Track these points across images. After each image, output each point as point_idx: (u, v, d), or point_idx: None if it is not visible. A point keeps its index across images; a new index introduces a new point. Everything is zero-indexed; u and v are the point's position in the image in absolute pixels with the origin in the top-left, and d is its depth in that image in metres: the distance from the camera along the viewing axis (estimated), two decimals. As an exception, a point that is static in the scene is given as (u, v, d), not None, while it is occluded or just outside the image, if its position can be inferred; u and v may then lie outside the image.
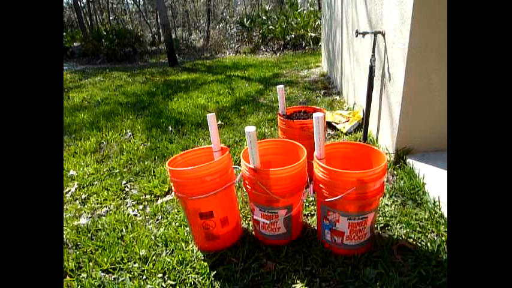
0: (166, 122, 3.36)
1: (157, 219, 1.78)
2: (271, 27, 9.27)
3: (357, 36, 2.33)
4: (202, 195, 1.31)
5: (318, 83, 4.65)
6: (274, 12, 10.32)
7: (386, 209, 1.65)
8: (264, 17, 9.86)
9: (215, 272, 1.35)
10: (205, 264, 1.40)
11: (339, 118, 2.89)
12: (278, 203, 1.35)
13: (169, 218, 1.75)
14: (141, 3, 17.04)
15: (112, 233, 1.66)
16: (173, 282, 1.32)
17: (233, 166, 1.46)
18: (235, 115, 3.44)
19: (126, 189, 2.13)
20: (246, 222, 1.69)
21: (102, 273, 1.42)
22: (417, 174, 1.85)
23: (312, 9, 9.43)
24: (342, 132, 2.73)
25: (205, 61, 8.26)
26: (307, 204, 1.78)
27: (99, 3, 16.23)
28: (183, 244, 1.53)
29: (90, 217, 1.85)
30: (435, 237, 1.42)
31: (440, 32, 1.71)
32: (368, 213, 1.28)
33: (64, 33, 12.11)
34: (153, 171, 2.30)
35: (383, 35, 2.11)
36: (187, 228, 1.64)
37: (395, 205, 1.68)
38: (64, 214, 1.89)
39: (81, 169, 2.43)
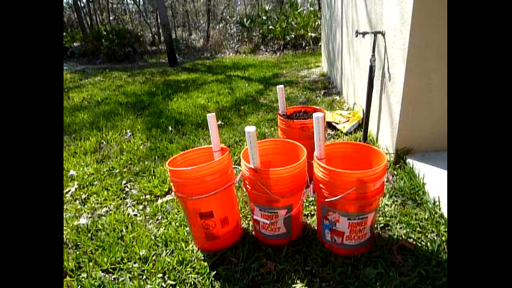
0: (166, 122, 3.36)
1: (157, 219, 1.78)
2: (271, 27, 9.27)
3: (357, 36, 2.33)
4: (202, 195, 1.32)
5: (318, 83, 4.65)
6: (274, 12, 10.33)
7: (386, 209, 1.65)
8: (264, 17, 9.86)
9: (215, 272, 1.35)
10: (205, 264, 1.40)
11: (339, 118, 2.89)
12: (278, 203, 1.35)
13: (169, 218, 1.75)
14: (141, 3, 17.04)
15: (112, 233, 1.66)
16: (173, 282, 1.32)
17: (233, 166, 1.46)
18: (235, 115, 3.44)
19: (126, 189, 2.13)
20: (246, 222, 1.69)
21: (102, 273, 1.42)
22: (417, 174, 1.85)
23: (312, 9, 9.43)
24: (342, 132, 2.73)
25: (205, 61, 8.26)
26: (307, 204, 1.78)
27: (99, 3, 16.23)
28: (183, 244, 1.53)
29: (90, 217, 1.85)
30: (435, 237, 1.42)
31: (440, 32, 1.71)
32: (368, 213, 1.28)
33: (64, 33, 12.10)
34: (153, 171, 2.30)
35: (383, 35, 2.11)
36: (187, 228, 1.64)
37: (395, 205, 1.68)
38: (64, 214, 1.89)
39: (81, 169, 2.43)
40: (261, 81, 5.05)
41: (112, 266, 1.45)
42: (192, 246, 1.52)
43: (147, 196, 2.01)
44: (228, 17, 14.57)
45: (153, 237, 1.60)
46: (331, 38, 4.65)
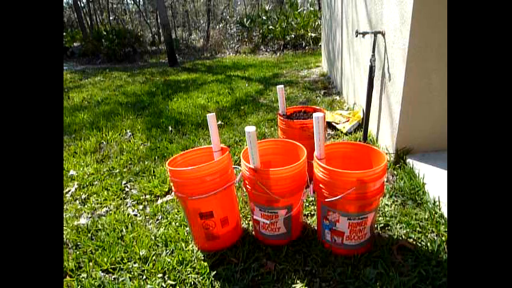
0: (166, 122, 3.36)
1: (157, 219, 1.78)
2: (271, 27, 9.27)
3: (357, 36, 2.33)
4: (202, 195, 1.31)
5: (318, 83, 4.65)
6: (274, 12, 10.33)
7: (386, 209, 1.65)
8: (264, 17, 9.86)
9: (215, 272, 1.35)
10: (205, 264, 1.40)
11: (339, 118, 2.89)
12: (278, 203, 1.35)
13: (169, 218, 1.75)
14: (141, 3, 17.04)
15: (112, 233, 1.66)
16: (173, 282, 1.32)
17: (233, 166, 1.46)
18: (235, 115, 3.44)
19: (126, 189, 2.13)
20: (246, 222, 1.69)
21: (102, 273, 1.42)
22: (417, 174, 1.85)
23: (312, 9, 9.43)
24: (342, 132, 2.73)
25: (205, 61, 8.26)
26: (307, 204, 1.78)
27: (99, 3, 16.23)
28: (183, 244, 1.53)
29: (90, 217, 1.85)
30: (435, 237, 1.42)
31: (440, 32, 1.71)
32: (368, 213, 1.28)
33: (64, 33, 12.10)
34: (153, 171, 2.30)
35: (383, 35, 2.11)
36: (187, 228, 1.64)
37: (395, 205, 1.68)
38: (64, 214, 1.89)
39: (81, 169, 2.43)
40: (261, 81, 5.05)
41: (112, 266, 1.45)
42: (192, 246, 1.52)
43: (147, 196, 2.01)
44: (228, 17, 14.57)
45: (153, 237, 1.60)
46: (331, 38, 4.65)
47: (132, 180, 2.22)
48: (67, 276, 1.42)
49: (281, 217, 1.39)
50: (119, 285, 1.34)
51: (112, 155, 2.67)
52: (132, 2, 17.44)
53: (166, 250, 1.51)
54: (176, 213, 1.79)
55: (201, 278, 1.33)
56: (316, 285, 1.26)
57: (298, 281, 1.28)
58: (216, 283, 1.31)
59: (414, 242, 1.41)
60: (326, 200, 1.27)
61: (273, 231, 1.43)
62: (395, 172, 1.97)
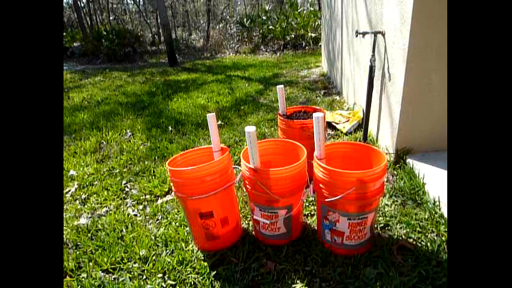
0: (166, 122, 3.36)
1: (157, 219, 1.78)
2: (271, 27, 9.27)
3: (357, 36, 2.33)
4: (202, 195, 1.31)
5: (318, 83, 4.65)
6: (274, 12, 10.33)
7: (386, 209, 1.65)
8: (264, 17, 9.86)
9: (215, 272, 1.35)
10: (205, 264, 1.40)
11: (339, 118, 2.89)
12: (278, 203, 1.35)
13: (169, 218, 1.75)
14: (141, 3, 17.04)
15: (112, 233, 1.66)
16: (173, 282, 1.32)
17: (233, 166, 1.46)
18: (235, 115, 3.44)
19: (126, 189, 2.13)
20: (246, 222, 1.69)
21: (102, 273, 1.42)
22: (417, 174, 1.85)
23: (312, 9, 9.43)
24: (342, 132, 2.73)
25: (205, 61, 8.26)
26: (307, 204, 1.78)
27: (99, 3, 16.23)
28: (183, 244, 1.53)
29: (90, 217, 1.85)
30: (435, 237, 1.42)
31: (440, 32, 1.71)
32: (368, 213, 1.28)
33: (64, 33, 12.10)
34: (153, 171, 2.30)
35: (383, 35, 2.11)
36: (187, 228, 1.64)
37: (395, 205, 1.68)
38: (64, 214, 1.89)
39: (81, 169, 2.43)
40: (261, 81, 5.05)
41: (112, 266, 1.45)
42: (192, 246, 1.52)
43: (147, 196, 2.01)
44: (228, 17, 14.57)
45: (153, 237, 1.60)
46: (331, 38, 4.65)
47: (132, 180, 2.22)
48: (67, 276, 1.42)
49: (281, 217, 1.39)
50: (119, 285, 1.34)
51: (112, 155, 2.67)
52: (132, 2, 17.45)
53: (166, 250, 1.51)
54: (176, 213, 1.79)
55: (201, 278, 1.33)
56: (316, 285, 1.26)
57: (298, 281, 1.28)
58: (216, 283, 1.31)
59: (414, 242, 1.41)
60: (326, 200, 1.27)
61: (273, 231, 1.43)
62: (395, 172, 1.97)
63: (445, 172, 1.81)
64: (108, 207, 1.94)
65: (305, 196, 1.44)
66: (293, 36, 8.93)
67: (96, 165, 2.47)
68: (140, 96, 4.63)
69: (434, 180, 1.76)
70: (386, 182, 1.90)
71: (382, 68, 2.17)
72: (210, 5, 14.65)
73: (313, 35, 8.62)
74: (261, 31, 9.62)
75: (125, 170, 2.38)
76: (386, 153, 2.15)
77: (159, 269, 1.40)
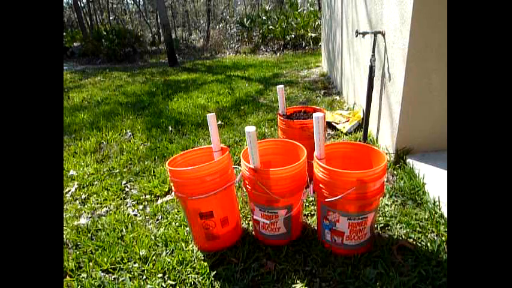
0: (166, 122, 3.36)
1: (157, 219, 1.78)
2: (271, 27, 9.27)
3: (357, 36, 2.33)
4: (202, 195, 1.31)
5: (318, 83, 4.65)
6: (274, 12, 10.32)
7: (386, 209, 1.65)
8: (264, 17, 9.86)
9: (215, 272, 1.35)
10: (205, 264, 1.40)
11: (339, 118, 2.89)
12: (278, 203, 1.35)
13: (169, 218, 1.75)
14: (141, 3, 17.04)
15: (112, 233, 1.66)
16: (173, 282, 1.32)
17: (233, 166, 1.46)
18: (235, 115, 3.44)
19: (126, 189, 2.13)
20: (246, 222, 1.69)
21: (102, 273, 1.42)
22: (417, 174, 1.85)
23: (312, 9, 9.42)
24: (342, 132, 2.73)
25: (205, 61, 8.26)
26: (307, 204, 1.78)
27: (99, 3, 16.23)
28: (183, 244, 1.53)
29: (90, 217, 1.85)
30: (435, 237, 1.42)
31: (440, 32, 1.71)
32: (368, 213, 1.28)
33: (64, 33, 12.10)
34: (153, 171, 2.30)
35: (383, 35, 2.11)
36: (187, 228, 1.64)
37: (395, 205, 1.68)
38: (64, 214, 1.89)
39: (81, 169, 2.43)
40: (261, 81, 5.05)
41: (112, 266, 1.45)
42: (192, 246, 1.52)
43: (147, 196, 2.01)
44: (228, 17, 14.57)
45: (153, 237, 1.60)
46: (331, 38, 4.65)
47: (132, 180, 2.22)
48: (67, 276, 1.42)
49: (281, 217, 1.39)
50: (119, 285, 1.34)
51: (112, 155, 2.67)
52: (132, 2, 17.45)
53: (166, 250, 1.51)
54: (176, 213, 1.79)
55: (201, 278, 1.33)
56: (316, 285, 1.26)
57: (298, 281, 1.28)
58: (216, 283, 1.31)
59: (414, 242, 1.41)
60: (326, 200, 1.27)
61: (273, 231, 1.43)
62: (395, 172, 1.97)
63: (445, 172, 1.81)
64: (108, 207, 1.94)
65: (305, 196, 1.44)
66: (293, 36, 8.93)
67: (96, 165, 2.47)
68: (140, 96, 4.63)
69: (434, 180, 1.76)
70: (386, 182, 1.90)
71: (382, 68, 2.17)
72: (210, 5, 14.65)
73: (313, 35, 8.62)
74: (261, 31, 9.62)
75: (124, 170, 2.38)
76: (386, 153, 2.15)
77: (159, 269, 1.40)
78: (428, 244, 1.38)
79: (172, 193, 1.99)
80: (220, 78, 5.56)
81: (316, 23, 8.71)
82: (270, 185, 1.30)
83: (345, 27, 3.53)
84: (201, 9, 17.76)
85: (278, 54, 8.46)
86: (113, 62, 9.11)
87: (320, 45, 7.30)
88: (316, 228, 1.56)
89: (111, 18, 16.52)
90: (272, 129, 2.94)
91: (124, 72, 7.08)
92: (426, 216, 1.55)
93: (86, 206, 1.97)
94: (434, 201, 1.62)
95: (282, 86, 1.92)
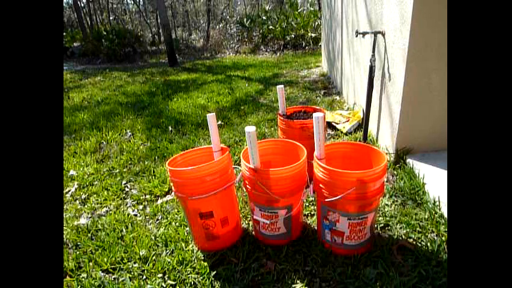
0: (166, 122, 3.36)
1: (157, 219, 1.78)
2: (271, 27, 9.27)
3: (356, 36, 2.33)
4: (202, 195, 1.31)
5: (318, 83, 4.65)
6: (274, 12, 10.32)
7: (386, 209, 1.65)
8: (264, 17, 9.86)
9: (215, 272, 1.35)
10: (205, 264, 1.40)
11: (339, 118, 2.89)
12: (278, 203, 1.35)
13: (169, 218, 1.75)
14: (141, 3, 17.04)
15: (112, 233, 1.66)
16: (173, 282, 1.32)
17: (233, 166, 1.46)
18: (235, 115, 3.44)
19: (126, 189, 2.13)
20: (246, 222, 1.69)
21: (102, 273, 1.42)
22: (417, 174, 1.85)
23: (312, 9, 9.42)
24: (342, 132, 2.73)
25: (205, 61, 8.26)
26: (307, 204, 1.78)
27: (99, 3, 16.23)
28: (183, 244, 1.53)
29: (90, 217, 1.85)
30: (435, 237, 1.42)
31: (440, 32, 1.71)
32: (368, 213, 1.28)
33: (64, 33, 12.10)
34: (153, 171, 2.30)
35: (383, 35, 2.11)
36: (187, 228, 1.64)
37: (395, 205, 1.68)
38: (64, 214, 1.89)
39: (81, 169, 2.43)
40: (261, 81, 5.05)
41: (112, 266, 1.45)
42: (192, 246, 1.52)
43: (147, 196, 2.01)
44: (228, 17, 14.57)
45: (153, 237, 1.60)
46: (331, 38, 4.65)
47: (132, 180, 2.22)
48: (67, 276, 1.42)
49: (281, 217, 1.39)
50: (119, 285, 1.34)
51: (112, 155, 2.67)
52: (132, 2, 17.45)
53: (166, 250, 1.51)
54: (176, 213, 1.79)
55: (201, 278, 1.33)
56: (316, 285, 1.26)
57: (298, 281, 1.28)
58: (216, 283, 1.31)
59: (414, 242, 1.41)
60: (326, 200, 1.27)
61: (273, 231, 1.43)
62: (395, 172, 1.97)
63: (445, 172, 1.81)
64: (108, 207, 1.94)
65: (305, 196, 1.44)
66: (293, 36, 8.93)
67: (96, 165, 2.47)
68: (140, 96, 4.63)
69: (434, 180, 1.76)
70: (387, 182, 1.90)
71: (382, 68, 2.17)
72: (210, 5, 14.65)
73: (313, 35, 8.62)
74: (261, 31, 9.62)
75: (125, 170, 2.38)
76: (387, 153, 2.15)
77: (159, 269, 1.40)
78: (428, 244, 1.38)
79: (172, 193, 1.99)
80: (220, 78, 5.56)
81: (316, 23, 8.72)
82: (270, 185, 1.30)
83: (345, 27, 3.53)
84: (201, 9, 17.76)
85: (278, 54, 8.46)
86: (113, 62, 9.11)
87: (320, 45, 7.30)
88: (316, 228, 1.56)
89: (111, 18, 16.53)
90: (272, 129, 2.94)
91: (124, 72, 7.08)
92: (426, 216, 1.55)
93: (86, 206, 1.97)
94: (434, 201, 1.62)
95: (282, 86, 1.92)
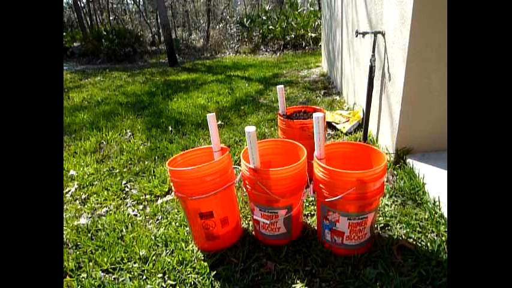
0: (166, 122, 3.36)
1: (157, 219, 1.78)
2: (271, 27, 9.27)
3: (356, 36, 2.33)
4: (202, 195, 1.32)
5: (318, 83, 4.65)
6: (274, 12, 10.32)
7: (386, 209, 1.65)
8: (264, 17, 9.86)
9: (215, 272, 1.35)
10: (205, 264, 1.40)
11: (339, 118, 2.89)
12: (278, 203, 1.35)
13: (169, 218, 1.75)
14: (141, 3, 17.04)
15: (112, 233, 1.66)
16: (173, 282, 1.32)
17: (233, 166, 1.46)
18: (235, 115, 3.44)
19: (126, 189, 2.13)
20: (246, 222, 1.69)
21: (102, 273, 1.42)
22: (417, 174, 1.85)
23: (312, 9, 9.42)
24: (342, 132, 2.73)
25: (205, 61, 8.26)
26: (307, 204, 1.78)
27: (99, 3, 16.23)
28: (183, 244, 1.53)
29: (90, 217, 1.85)
30: (435, 237, 1.42)
31: (440, 32, 1.71)
32: (368, 213, 1.28)
33: (64, 33, 12.10)
34: (153, 171, 2.30)
35: (383, 35, 2.11)
36: (187, 228, 1.64)
37: (395, 205, 1.68)
38: (64, 214, 1.89)
39: (81, 169, 2.43)
40: (261, 81, 5.05)
41: (112, 266, 1.45)
42: (192, 246, 1.52)
43: (147, 196, 2.01)
44: (228, 17, 14.56)
45: (153, 237, 1.60)
46: (331, 38, 4.65)
47: (132, 180, 2.22)
48: (67, 276, 1.42)
49: (281, 217, 1.39)
50: (119, 285, 1.34)
51: (112, 155, 2.67)
52: (132, 2, 17.45)
53: (166, 250, 1.51)
54: (176, 213, 1.79)
55: (201, 278, 1.33)
56: (316, 285, 1.26)
57: (298, 281, 1.28)
58: (216, 283, 1.31)
59: (414, 242, 1.41)
60: (326, 200, 1.27)
61: (273, 231, 1.43)
62: (395, 172, 1.97)
63: (445, 172, 1.81)
64: (108, 207, 1.94)
65: (305, 196, 1.44)
66: (293, 36, 8.93)
67: (96, 165, 2.47)
68: (140, 96, 4.63)
69: (434, 180, 1.76)
70: (387, 182, 1.90)
71: (382, 68, 2.17)
72: (210, 5, 14.65)
73: (313, 35, 8.62)
74: (261, 31, 9.62)
75: (125, 170, 2.38)
76: (387, 153, 2.15)
77: (159, 269, 1.40)
78: (428, 244, 1.38)
79: (172, 193, 1.99)
80: (220, 78, 5.56)
81: (316, 23, 8.71)
82: (270, 185, 1.30)
83: (345, 27, 3.53)
84: (201, 9, 17.76)
85: (278, 54, 8.46)
86: (113, 62, 9.11)
87: (320, 45, 7.30)
88: (316, 228, 1.56)
89: (111, 18, 16.53)
90: (272, 129, 2.94)
91: (124, 72, 7.08)
92: (426, 216, 1.55)
93: (86, 206, 1.97)
94: (434, 201, 1.62)
95: (282, 86, 1.92)
